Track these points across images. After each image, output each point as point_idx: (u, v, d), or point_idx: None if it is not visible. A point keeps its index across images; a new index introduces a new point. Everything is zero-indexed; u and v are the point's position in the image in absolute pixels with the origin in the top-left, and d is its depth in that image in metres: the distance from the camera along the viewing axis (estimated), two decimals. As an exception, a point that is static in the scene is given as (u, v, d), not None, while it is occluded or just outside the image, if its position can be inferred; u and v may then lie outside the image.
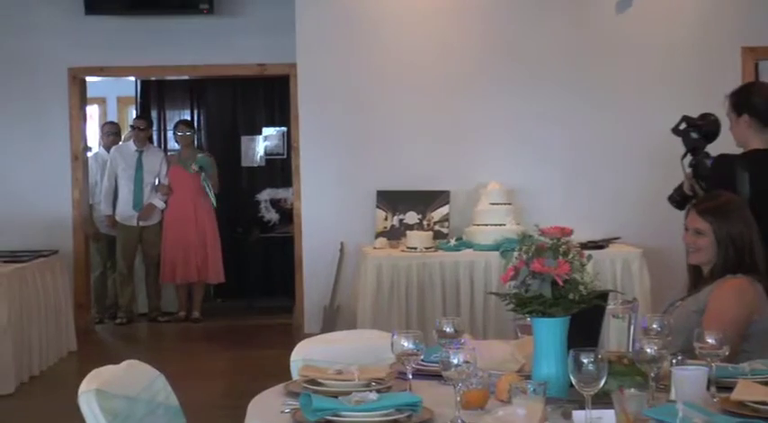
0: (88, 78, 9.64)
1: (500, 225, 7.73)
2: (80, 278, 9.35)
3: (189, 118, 11.89)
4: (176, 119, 11.54)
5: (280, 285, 11.05)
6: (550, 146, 8.52)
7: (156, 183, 9.99)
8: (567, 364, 2.70)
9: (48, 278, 7.77)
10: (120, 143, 10.41)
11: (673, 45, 8.51)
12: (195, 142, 10.68)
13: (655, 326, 3.18)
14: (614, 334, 3.26)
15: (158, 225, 9.97)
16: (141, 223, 9.89)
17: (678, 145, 5.41)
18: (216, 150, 11.25)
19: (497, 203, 7.92)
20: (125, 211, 9.90)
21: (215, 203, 9.97)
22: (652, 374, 2.88)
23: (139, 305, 10.24)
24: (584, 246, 6.85)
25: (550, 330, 2.93)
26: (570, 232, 3.02)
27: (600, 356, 2.66)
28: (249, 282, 11.36)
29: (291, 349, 3.64)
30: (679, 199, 5.33)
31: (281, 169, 11.84)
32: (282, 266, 10.90)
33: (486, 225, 7.79)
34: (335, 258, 8.49)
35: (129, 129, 10.46)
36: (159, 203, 9.92)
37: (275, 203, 11.44)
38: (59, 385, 7.11)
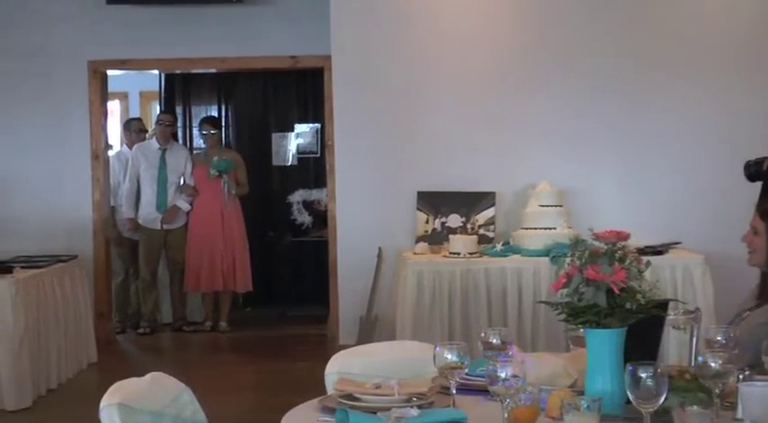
0: (109, 72, 9.72)
1: (550, 229, 7.70)
2: (101, 285, 9.41)
3: (216, 114, 11.94)
4: (203, 115, 11.60)
5: (313, 293, 11.07)
6: (605, 143, 8.48)
7: (181, 183, 10.02)
8: (623, 378, 2.69)
9: (66, 285, 7.82)
10: (144, 141, 10.44)
11: (734, 40, 8.45)
12: (222, 141, 10.69)
13: (719, 338, 3.15)
14: (675, 346, 3.23)
15: (183, 228, 10.00)
16: (165, 226, 9.93)
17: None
18: (245, 149, 11.29)
19: (547, 205, 7.90)
20: (148, 213, 9.94)
21: (235, 198, 9.95)
22: (716, 391, 2.85)
23: (163, 314, 10.29)
24: (642, 251, 6.78)
25: (605, 342, 2.91)
26: (627, 236, 3.00)
27: (659, 371, 2.64)
28: (280, 289, 11.39)
29: (326, 362, 3.64)
30: (753, 171, 5.32)
31: (314, 169, 11.88)
32: (316, 273, 10.93)
33: (536, 229, 7.77)
34: (373, 264, 8.48)
35: (156, 124, 10.44)
36: (184, 205, 9.95)
37: (308, 205, 11.46)
38: (79, 399, 7.14)
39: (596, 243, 2.99)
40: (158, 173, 9.94)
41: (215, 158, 10.00)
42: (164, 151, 10.00)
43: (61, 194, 9.36)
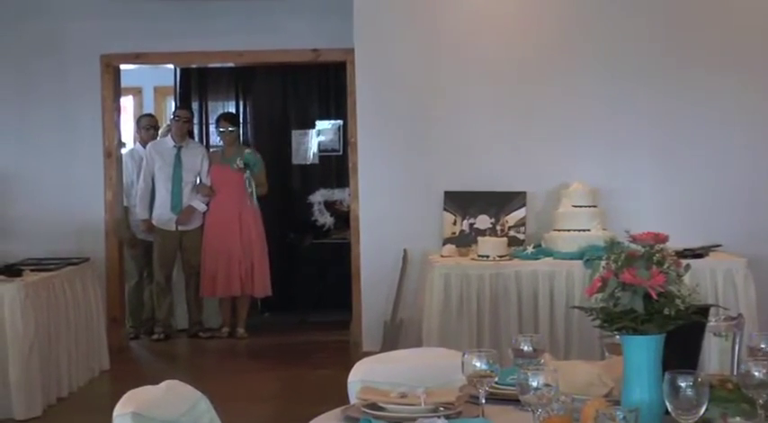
0: (123, 66, 9.75)
1: (584, 230, 7.69)
2: (113, 289, 9.45)
3: (233, 110, 11.95)
4: (220, 111, 11.62)
5: (335, 297, 11.04)
6: (641, 140, 8.46)
7: (198, 182, 10.03)
8: (661, 388, 2.68)
9: (78, 289, 7.85)
10: (155, 138, 10.46)
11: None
12: (240, 138, 10.69)
13: (763, 345, 3.14)
14: (716, 354, 3.23)
15: (200, 230, 10.00)
16: (180, 228, 9.94)
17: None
18: (264, 146, 11.30)
19: (581, 206, 7.88)
20: (162, 213, 9.96)
21: (255, 202, 9.96)
22: (760, 401, 2.84)
23: (178, 319, 10.31)
24: (681, 254, 6.74)
25: (643, 350, 2.90)
26: (665, 239, 3.00)
27: (700, 380, 2.63)
28: (300, 293, 11.39)
29: (348, 369, 3.65)
30: None
31: (336, 167, 11.89)
32: (338, 276, 10.92)
33: (569, 230, 7.75)
34: (397, 267, 8.49)
35: (172, 120, 10.42)
36: (200, 206, 9.96)
37: (330, 206, 11.47)
38: (91, 408, 7.18)
39: (633, 245, 2.98)
40: (173, 171, 9.94)
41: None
42: (179, 149, 10.01)
43: (72, 194, 9.38)
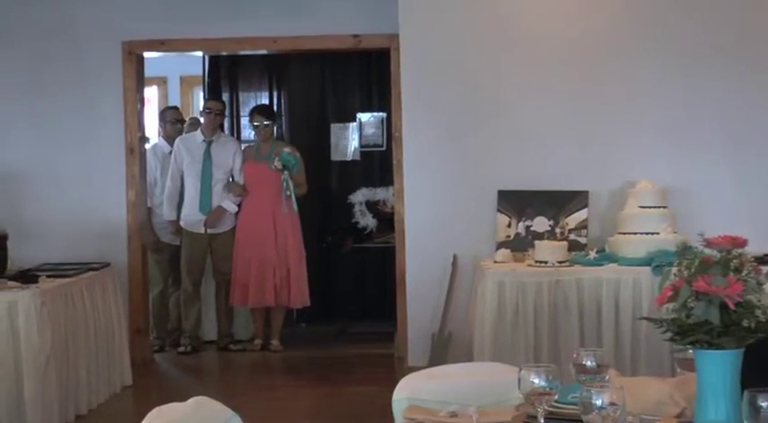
0: (146, 54, 9.79)
1: (653, 234, 7.66)
2: (136, 297, 9.50)
3: (267, 102, 11.99)
4: (252, 103, 11.67)
5: (378, 307, 11.09)
6: (716, 135, 8.44)
7: (230, 180, 10.05)
8: (739, 407, 2.66)
9: (98, 296, 7.89)
10: (181, 133, 10.49)
11: None
12: (275, 133, 10.68)
13: None
14: (800, 371, 3.19)
15: (231, 233, 10.04)
16: (209, 231, 9.97)
17: None
18: (300, 141, 11.31)
19: (649, 207, 7.86)
20: (190, 214, 10.00)
21: (294, 206, 9.99)
22: None
23: (207, 330, 10.35)
24: (762, 260, 6.70)
25: (719, 365, 2.88)
26: (744, 243, 2.98)
27: (782, 399, 2.61)
28: (340, 302, 11.43)
29: (393, 386, 3.65)
30: None
31: (379, 164, 11.91)
32: (381, 284, 10.94)
33: (635, 234, 7.72)
34: (446, 274, 8.49)
35: (201, 112, 10.43)
36: (230, 207, 9.99)
37: (372, 206, 11.49)
38: (112, 427, 7.25)
39: (707, 250, 2.96)
40: (202, 168, 9.98)
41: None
42: (209, 144, 10.04)
43: (91, 194, 9.44)
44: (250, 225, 9.96)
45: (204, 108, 10.37)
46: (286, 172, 9.90)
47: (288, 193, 9.91)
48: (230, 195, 9.98)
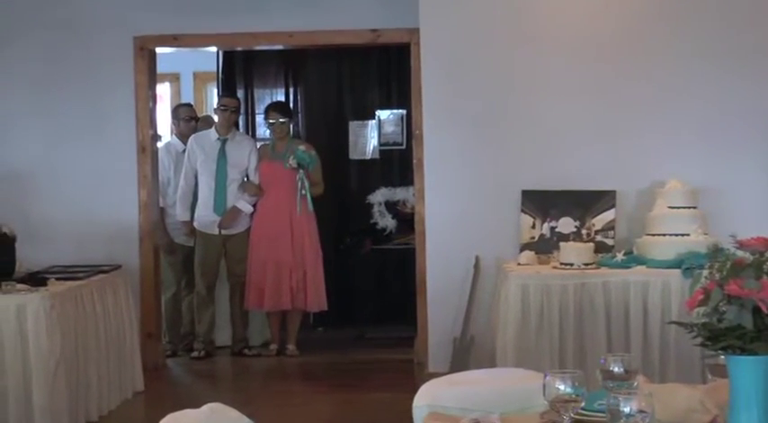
0: (158, 49, 9.80)
1: (683, 235, 7.64)
2: (148, 300, 9.52)
3: (283, 99, 12.00)
4: (267, 100, 11.69)
5: (397, 311, 11.08)
6: (748, 133, 8.42)
7: (245, 180, 10.06)
8: (773, 415, 2.65)
9: (108, 300, 7.91)
10: (194, 130, 10.48)
11: None
12: (291, 131, 10.66)
13: None
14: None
15: (246, 234, 10.05)
16: (224, 232, 9.98)
17: None
18: (317, 140, 11.32)
19: (679, 207, 7.84)
20: (204, 215, 10.01)
21: (310, 205, 9.98)
22: None
23: (221, 335, 10.36)
24: (794, 262, 6.72)
25: (751, 372, 2.87)
26: (777, 244, 2.97)
27: (818, 407, 2.60)
28: (358, 306, 11.44)
29: (413, 392, 3.65)
30: None
31: (399, 163, 11.91)
32: (401, 287, 10.94)
33: (665, 235, 7.71)
34: (468, 277, 8.48)
35: (216, 109, 10.43)
36: (245, 207, 9.99)
37: (392, 207, 11.49)
38: (123, 434, 7.26)
39: (740, 252, 2.95)
40: (216, 167, 9.98)
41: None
42: (224, 142, 10.05)
43: (102, 193, 9.45)
44: (265, 226, 9.96)
45: (219, 105, 10.35)
46: (301, 170, 9.89)
47: (303, 192, 9.90)
48: (245, 195, 9.98)
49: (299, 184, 9.90)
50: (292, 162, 9.87)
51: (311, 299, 10.03)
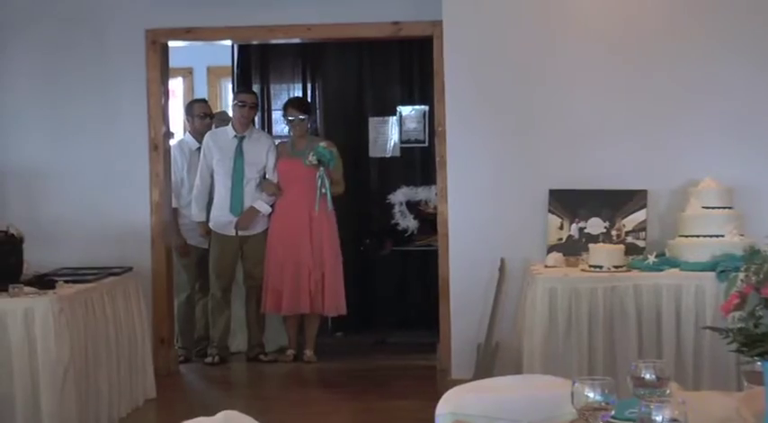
0: (171, 43, 9.82)
1: (717, 236, 7.62)
2: (161, 304, 9.54)
3: (301, 94, 12.00)
4: (284, 96, 11.68)
5: (419, 315, 11.09)
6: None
7: (263, 178, 10.04)
8: (812, 425, 2.65)
9: (119, 303, 7.93)
10: (209, 127, 10.48)
11: None
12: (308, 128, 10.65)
13: None
14: None
15: (263, 235, 10.04)
16: (240, 233, 9.99)
17: None
18: (336, 137, 11.29)
19: (713, 207, 7.82)
20: (220, 216, 10.01)
21: (330, 205, 9.95)
22: None
23: (236, 340, 10.37)
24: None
25: (789, 379, 2.87)
26: (817, 246, 2.96)
27: None
28: (378, 310, 11.44)
29: (436, 400, 3.65)
30: None
31: (421, 161, 11.90)
32: (423, 290, 10.94)
33: (699, 236, 7.69)
34: (493, 280, 8.48)
35: (233, 105, 10.39)
36: (263, 207, 9.98)
37: (413, 207, 11.48)
38: (134, 443, 7.28)
39: (777, 254, 2.95)
40: (233, 166, 9.98)
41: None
42: (241, 139, 10.04)
43: (112, 193, 9.47)
44: (284, 226, 9.94)
45: (237, 101, 10.28)
46: (321, 168, 9.87)
47: (323, 190, 9.88)
48: (263, 195, 9.97)
49: (319, 182, 9.87)
50: (312, 158, 9.83)
51: (329, 302, 10.00)
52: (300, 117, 10.14)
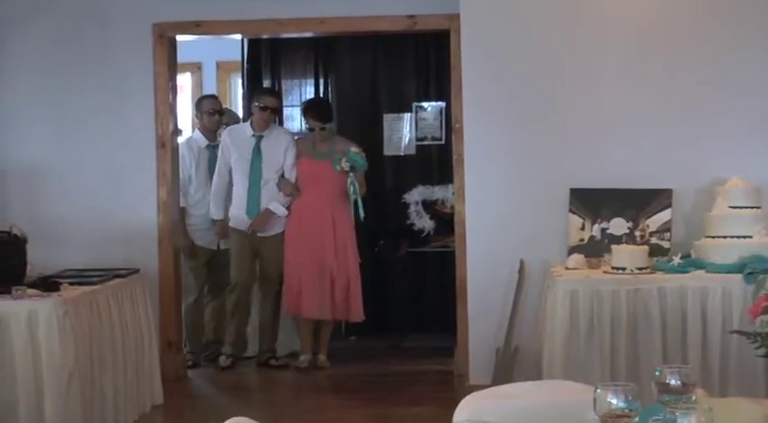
0: (179, 37, 9.82)
1: (745, 237, 7.62)
2: (168, 307, 9.55)
3: (312, 89, 12.05)
4: (296, 91, 11.70)
5: (435, 318, 11.10)
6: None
7: (281, 177, 9.97)
8: (844, 432, 2.64)
9: (125, 306, 7.94)
10: (218, 125, 10.46)
11: None
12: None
13: None
14: None
15: (281, 237, 9.97)
16: (258, 233, 9.96)
17: None
18: (349, 134, 11.26)
19: (741, 207, 7.81)
20: (237, 215, 10.00)
21: (361, 212, 9.85)
22: None
23: (247, 343, 10.37)
24: None
25: (820, 385, 2.87)
26: None
27: None
28: (393, 314, 11.44)
29: (453, 406, 3.66)
30: None
31: (437, 159, 11.90)
32: (439, 293, 10.94)
33: (725, 237, 7.69)
34: (513, 282, 8.48)
35: (254, 107, 10.32)
36: (279, 209, 9.90)
37: (430, 206, 11.48)
38: (141, 450, 7.29)
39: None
40: (250, 166, 9.96)
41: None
42: (259, 138, 10.00)
43: (118, 192, 9.48)
44: (304, 227, 9.87)
45: (259, 104, 10.13)
46: (352, 174, 9.83)
47: (354, 196, 9.83)
48: (279, 195, 9.92)
49: (351, 188, 9.83)
50: (345, 165, 9.76)
51: (354, 309, 10.01)
52: (322, 128, 10.05)
